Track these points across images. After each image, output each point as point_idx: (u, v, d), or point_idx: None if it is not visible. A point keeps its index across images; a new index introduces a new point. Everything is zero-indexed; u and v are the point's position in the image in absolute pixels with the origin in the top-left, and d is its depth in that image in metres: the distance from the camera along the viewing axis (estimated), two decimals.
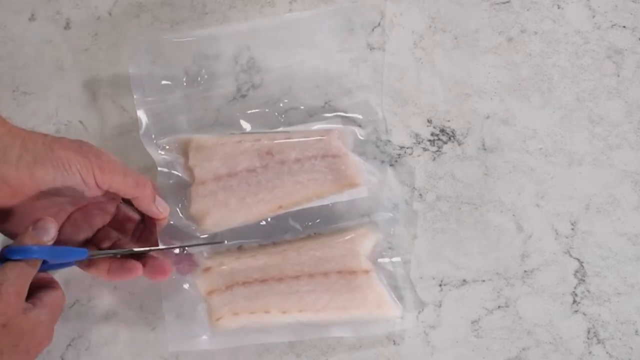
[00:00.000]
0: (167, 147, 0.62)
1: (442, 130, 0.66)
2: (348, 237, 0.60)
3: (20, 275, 0.47)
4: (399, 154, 0.66)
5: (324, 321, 0.58)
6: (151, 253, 0.57)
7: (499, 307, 0.60)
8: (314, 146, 0.62)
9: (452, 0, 0.72)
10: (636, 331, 0.59)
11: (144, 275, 0.55)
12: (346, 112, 0.66)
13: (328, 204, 0.62)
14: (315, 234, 0.62)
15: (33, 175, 0.49)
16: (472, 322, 0.60)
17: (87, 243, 0.57)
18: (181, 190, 0.61)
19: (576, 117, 0.67)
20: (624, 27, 0.70)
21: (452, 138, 0.66)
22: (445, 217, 0.63)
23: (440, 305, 0.60)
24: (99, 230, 0.57)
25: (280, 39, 0.68)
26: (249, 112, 0.66)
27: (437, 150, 0.66)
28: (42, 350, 0.50)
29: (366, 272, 0.59)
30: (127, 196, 0.54)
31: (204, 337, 0.57)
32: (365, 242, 0.60)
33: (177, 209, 0.60)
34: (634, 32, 0.70)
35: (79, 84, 0.69)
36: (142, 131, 0.62)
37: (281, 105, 0.66)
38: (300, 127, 0.65)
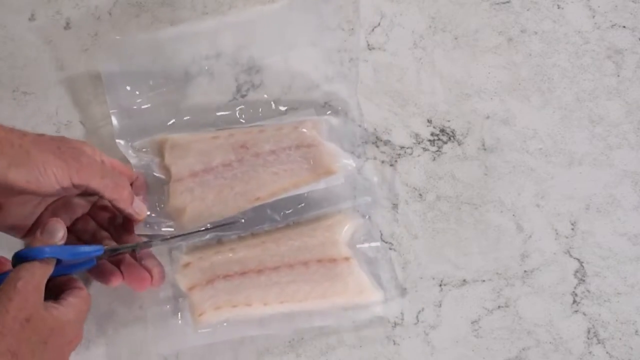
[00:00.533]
0: (143, 149, 0.63)
1: (442, 130, 0.66)
2: (326, 224, 0.60)
3: (35, 273, 0.47)
4: (399, 154, 0.65)
5: (306, 311, 0.58)
6: (129, 259, 0.57)
7: (499, 307, 0.60)
8: (288, 137, 0.62)
9: (452, 0, 0.71)
10: (636, 331, 0.59)
11: (124, 283, 0.56)
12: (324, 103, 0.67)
13: (305, 193, 0.62)
14: (293, 222, 0.61)
15: (6, 177, 0.49)
16: (472, 322, 0.60)
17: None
18: (159, 189, 0.62)
19: (576, 117, 0.67)
20: (624, 27, 0.70)
21: (452, 138, 0.66)
22: (445, 217, 0.63)
23: (440, 305, 0.60)
24: (77, 219, 0.58)
25: (277, 35, 0.69)
26: (248, 112, 0.66)
27: (437, 150, 0.66)
28: (73, 349, 0.50)
29: (346, 259, 0.59)
30: (105, 197, 0.55)
31: (188, 334, 0.57)
32: (344, 229, 0.60)
33: (156, 207, 0.60)
34: (634, 32, 0.70)
35: (79, 84, 0.69)
36: (116, 134, 0.63)
37: (281, 105, 0.66)
38: (274, 121, 0.65)
